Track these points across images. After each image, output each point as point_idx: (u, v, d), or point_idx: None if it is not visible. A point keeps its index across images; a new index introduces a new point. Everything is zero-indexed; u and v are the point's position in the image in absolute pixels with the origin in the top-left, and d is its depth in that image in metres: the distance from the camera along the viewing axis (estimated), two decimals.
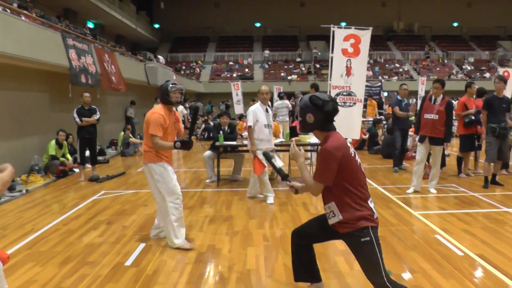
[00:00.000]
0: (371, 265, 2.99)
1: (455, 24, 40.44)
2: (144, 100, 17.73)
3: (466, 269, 4.17)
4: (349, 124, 8.25)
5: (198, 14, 38.23)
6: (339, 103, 8.23)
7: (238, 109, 20.85)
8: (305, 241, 3.44)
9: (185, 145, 4.69)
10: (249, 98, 23.56)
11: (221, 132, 8.31)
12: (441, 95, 7.20)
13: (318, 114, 3.03)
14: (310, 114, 3.04)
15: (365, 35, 8.16)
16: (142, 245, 4.93)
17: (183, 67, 33.02)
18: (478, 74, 32.91)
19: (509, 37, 39.74)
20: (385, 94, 23.08)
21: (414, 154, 11.55)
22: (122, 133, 13.21)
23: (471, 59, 36.20)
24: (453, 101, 7.65)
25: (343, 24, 8.06)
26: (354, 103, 8.22)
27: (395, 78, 32.01)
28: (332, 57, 8.24)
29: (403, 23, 40.69)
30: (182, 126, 5.06)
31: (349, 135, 8.88)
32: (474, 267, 4.25)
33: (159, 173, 4.73)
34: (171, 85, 4.77)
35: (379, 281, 2.96)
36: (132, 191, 7.89)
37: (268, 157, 3.59)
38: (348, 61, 8.17)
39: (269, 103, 7.30)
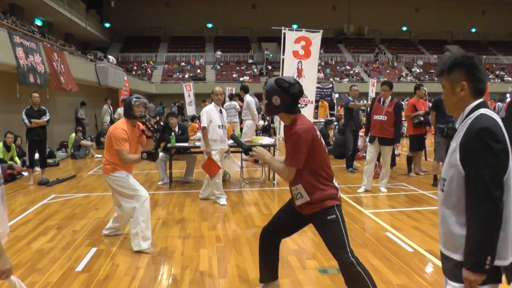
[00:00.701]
0: (337, 241, 3.07)
1: (404, 28, 41.89)
2: (94, 101, 17.34)
3: (416, 265, 4.37)
4: None
5: (149, 13, 37.67)
6: None
7: (190, 110, 20.69)
8: (276, 238, 3.50)
9: (152, 156, 4.62)
10: (201, 99, 23.48)
11: (172, 133, 8.27)
12: (390, 97, 7.46)
13: (285, 96, 3.04)
14: (277, 96, 3.04)
15: (316, 38, 8.35)
16: (94, 250, 4.85)
17: (135, 68, 32.48)
18: (427, 76, 34.21)
19: (456, 42, 41.64)
20: (337, 95, 23.58)
21: (364, 154, 11.91)
22: (73, 134, 12.87)
23: (420, 62, 37.63)
24: (402, 103, 7.92)
25: (295, 26, 8.18)
26: (306, 105, 8.39)
27: (346, 80, 32.76)
28: (283, 59, 8.36)
29: (353, 26, 41.76)
30: (145, 138, 4.97)
31: None
32: (424, 262, 4.45)
33: (121, 179, 4.72)
34: (134, 99, 4.69)
35: (344, 256, 3.06)
36: (83, 194, 7.71)
37: (235, 138, 3.90)
38: (299, 63, 8.33)
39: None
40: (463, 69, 1.99)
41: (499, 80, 33.83)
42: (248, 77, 33.02)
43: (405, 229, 5.53)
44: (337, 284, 3.95)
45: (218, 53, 36.43)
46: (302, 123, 3.02)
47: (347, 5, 40.39)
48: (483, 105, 1.99)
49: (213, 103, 7.07)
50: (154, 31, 38.23)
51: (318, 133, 3.15)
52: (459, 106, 2.05)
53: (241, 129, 12.51)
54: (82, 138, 12.84)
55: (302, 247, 4.94)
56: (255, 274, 4.15)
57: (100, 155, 12.63)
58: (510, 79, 34.23)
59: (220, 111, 7.04)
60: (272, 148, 8.56)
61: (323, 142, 3.18)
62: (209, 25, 39.99)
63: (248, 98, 10.34)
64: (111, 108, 16.54)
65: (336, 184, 3.17)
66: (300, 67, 8.31)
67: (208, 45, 38.99)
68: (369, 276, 3.08)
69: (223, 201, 7.01)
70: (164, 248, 4.89)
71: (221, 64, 35.70)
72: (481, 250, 1.83)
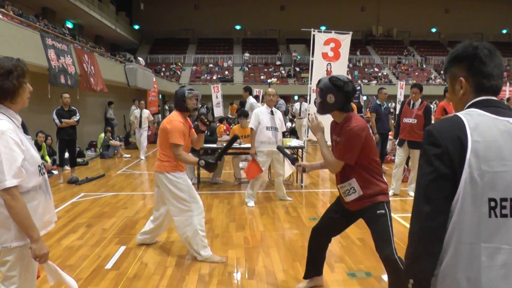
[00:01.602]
0: (384, 237, 3.10)
1: (433, 30, 41.19)
2: (123, 101, 17.59)
3: None
4: (328, 127, 8.30)
5: (177, 15, 38.09)
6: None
7: (218, 111, 20.74)
8: (327, 237, 3.64)
9: (210, 167, 4.32)
10: (229, 101, 23.59)
11: None
12: (420, 100, 7.32)
13: (339, 94, 3.14)
14: (331, 94, 3.14)
15: (345, 39, 8.24)
16: (123, 248, 4.89)
17: (163, 69, 32.84)
18: None
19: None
20: (364, 98, 23.30)
21: (393, 157, 11.75)
22: (102, 134, 13.07)
23: None
24: (431, 106, 7.75)
25: (323, 28, 8.10)
26: None
27: (374, 82, 32.39)
28: (312, 61, 8.28)
29: (382, 27, 41.28)
30: (195, 133, 4.73)
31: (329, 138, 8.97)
32: None
33: (180, 183, 4.39)
34: (187, 91, 4.48)
35: (388, 253, 3.06)
36: (112, 193, 7.81)
37: (280, 150, 3.88)
38: (328, 65, 8.24)
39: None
40: (462, 62, 1.63)
41: None
42: (276, 79, 33.00)
43: None
44: (365, 287, 3.90)
45: (246, 54, 36.53)
46: (356, 121, 3.13)
47: (376, 6, 39.98)
48: (479, 104, 1.58)
49: (265, 104, 7.12)
50: (183, 33, 38.64)
51: (370, 130, 3.25)
52: (460, 106, 1.67)
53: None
54: (111, 138, 13.04)
55: (330, 249, 4.82)
56: (284, 276, 4.12)
57: (129, 155, 12.82)
58: None
59: (272, 113, 7.01)
60: (300, 150, 8.52)
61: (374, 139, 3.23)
62: (237, 27, 40.18)
63: (251, 100, 10.01)
64: (139, 109, 16.74)
65: (385, 180, 3.26)
66: (329, 69, 8.21)
67: (236, 47, 39.17)
68: None
69: (251, 203, 6.99)
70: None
71: (249, 66, 35.78)
72: (404, 270, 1.60)
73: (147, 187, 8.42)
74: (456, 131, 1.49)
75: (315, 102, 3.32)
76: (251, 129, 6.94)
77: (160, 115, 22.64)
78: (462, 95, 1.64)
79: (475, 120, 1.50)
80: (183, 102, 4.47)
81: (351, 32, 8.42)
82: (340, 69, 8.29)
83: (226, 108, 22.56)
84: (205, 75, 33.53)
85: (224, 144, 4.86)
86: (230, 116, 19.43)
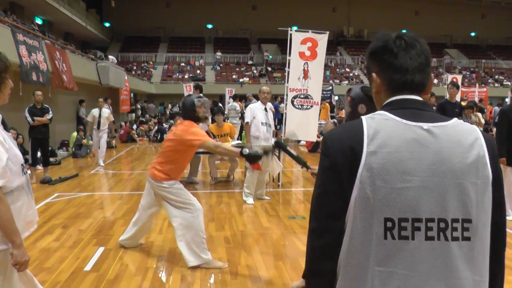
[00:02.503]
0: None
1: (403, 31, 41.77)
2: (95, 100, 17.14)
3: None
4: (306, 127, 8.36)
5: (149, 13, 37.59)
6: (296, 106, 8.34)
7: None
8: None
9: (253, 158, 3.99)
10: None
11: None
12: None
13: (371, 105, 3.06)
14: (363, 104, 3.05)
15: (322, 39, 8.30)
16: (101, 249, 4.79)
17: (134, 67, 32.37)
18: None
19: (455, 45, 41.71)
20: (336, 98, 23.55)
21: None
22: (75, 133, 12.80)
23: None
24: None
25: (294, 28, 8.13)
26: (311, 106, 8.34)
27: (346, 82, 32.74)
28: (289, 60, 8.31)
29: (353, 28, 41.77)
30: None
31: (306, 138, 9.04)
32: None
33: (176, 188, 4.29)
34: (196, 100, 4.30)
35: None
36: (86, 193, 7.64)
37: (282, 146, 3.68)
38: (305, 64, 8.28)
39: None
40: (374, 56, 1.39)
41: (498, 85, 33.88)
42: (248, 78, 32.98)
43: None
44: None
45: (218, 54, 36.35)
46: None
47: (347, 8, 40.43)
48: (390, 105, 1.35)
49: (258, 101, 7.28)
50: (154, 31, 38.15)
51: None
52: (378, 107, 1.43)
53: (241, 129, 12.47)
54: (83, 137, 12.77)
55: None
56: (267, 275, 4.12)
57: None
58: (509, 83, 34.21)
59: (265, 110, 7.19)
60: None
61: None
62: (209, 26, 39.91)
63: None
64: (111, 107, 16.47)
65: None
66: (306, 68, 8.26)
67: (208, 46, 38.95)
68: None
69: (250, 200, 7.05)
70: (172, 249, 4.81)
71: (221, 65, 35.64)
72: None
73: (122, 187, 8.28)
74: (349, 140, 1.27)
75: (346, 113, 3.22)
76: (247, 123, 7.07)
77: (133, 114, 22.31)
78: (376, 94, 1.42)
79: (376, 126, 1.27)
80: (193, 111, 4.29)
81: (327, 32, 8.49)
82: (317, 68, 8.35)
83: None
84: (177, 74, 33.22)
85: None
86: None
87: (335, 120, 15.10)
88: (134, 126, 18.72)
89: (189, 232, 4.26)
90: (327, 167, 1.30)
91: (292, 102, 8.34)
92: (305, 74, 8.30)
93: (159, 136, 17.19)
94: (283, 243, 5.12)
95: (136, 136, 17.43)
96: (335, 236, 1.30)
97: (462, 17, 40.87)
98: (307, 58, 8.27)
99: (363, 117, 1.31)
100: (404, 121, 1.27)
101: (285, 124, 8.50)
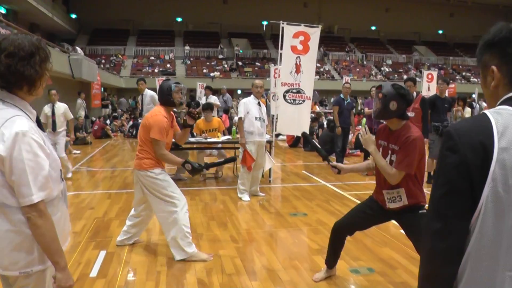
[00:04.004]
0: None
1: (373, 28, 42.40)
2: (67, 94, 16.55)
3: None
4: (299, 121, 8.20)
5: (117, 5, 36.57)
6: (288, 101, 8.17)
7: None
8: (352, 232, 3.67)
9: (195, 171, 4.19)
10: None
11: None
12: (414, 93, 7.69)
13: (402, 102, 3.15)
14: (394, 102, 3.14)
15: (315, 33, 8.15)
16: (103, 253, 4.49)
17: (103, 61, 31.45)
18: (396, 75, 34.73)
19: (424, 42, 42.56)
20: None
21: (350, 151, 11.90)
22: None
23: (389, 61, 38.19)
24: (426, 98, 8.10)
25: (265, 23, 7.99)
26: (304, 101, 8.19)
27: (317, 77, 32.83)
28: (281, 54, 8.12)
29: (323, 24, 41.89)
30: (178, 128, 4.56)
31: (298, 132, 8.88)
32: None
33: (161, 179, 4.20)
34: (174, 85, 4.26)
35: None
36: (72, 193, 7.23)
37: (307, 138, 3.78)
38: (298, 58, 8.11)
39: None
40: (494, 48, 1.32)
41: (466, 81, 34.74)
42: (218, 73, 32.65)
43: None
44: (373, 283, 3.80)
45: (187, 47, 35.75)
46: (417, 131, 3.16)
47: (318, 3, 40.51)
48: None
49: (252, 95, 7.01)
50: (123, 23, 37.17)
51: None
52: (493, 102, 1.36)
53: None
54: None
55: (324, 246, 4.71)
56: (287, 276, 3.95)
57: (79, 151, 12.10)
58: (476, 80, 35.20)
59: (259, 104, 6.98)
60: (268, 144, 8.34)
61: None
62: (179, 19, 39.22)
63: (150, 92, 9.40)
64: (85, 102, 15.91)
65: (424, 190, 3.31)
66: (298, 63, 8.08)
67: (177, 40, 38.26)
68: None
69: (246, 197, 6.88)
70: None
71: (191, 59, 35.13)
72: None
73: (108, 184, 7.91)
74: (479, 135, 1.21)
75: (374, 110, 3.31)
76: (240, 118, 6.86)
77: (108, 109, 21.62)
78: (493, 88, 1.33)
79: (505, 122, 1.21)
80: (169, 96, 4.26)
81: (320, 26, 8.37)
82: (310, 62, 8.20)
83: None
84: (147, 68, 32.52)
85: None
86: (175, 110, 18.89)
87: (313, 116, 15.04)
88: (108, 121, 18.16)
89: (174, 226, 4.21)
90: (456, 164, 1.23)
91: (284, 96, 8.16)
92: (298, 69, 8.13)
93: (134, 131, 16.73)
94: (293, 241, 4.95)
95: (111, 131, 16.90)
96: (460, 238, 1.24)
97: (431, 15, 41.65)
98: (299, 52, 8.09)
99: (487, 112, 1.26)
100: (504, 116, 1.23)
101: (277, 119, 8.33)
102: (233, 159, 4.40)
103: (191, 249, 4.27)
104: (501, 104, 1.30)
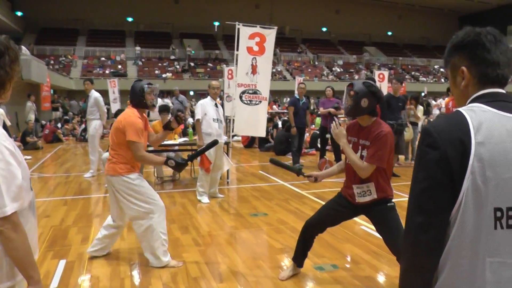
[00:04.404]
0: (399, 228, 3.24)
1: (324, 29, 43.20)
2: (15, 97, 15.89)
3: None
4: (255, 122, 8.28)
5: (65, 3, 35.35)
6: (245, 102, 8.22)
7: (115, 107, 19.74)
8: (322, 230, 3.76)
9: (179, 167, 3.99)
10: (126, 96, 22.52)
11: None
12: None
13: (372, 99, 3.28)
14: (366, 99, 3.25)
15: (270, 34, 8.26)
16: (63, 262, 4.35)
17: (52, 62, 30.39)
18: (347, 75, 35.51)
19: (374, 43, 43.81)
20: None
21: (305, 151, 12.10)
22: None
23: (340, 62, 39.01)
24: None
25: (217, 24, 8.06)
26: (260, 101, 8.27)
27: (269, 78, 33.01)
28: (237, 55, 8.17)
29: (275, 25, 42.18)
30: (151, 129, 4.40)
31: (255, 133, 8.95)
32: None
33: (137, 184, 4.03)
34: (147, 86, 4.13)
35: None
36: None
37: (277, 163, 3.82)
38: (254, 59, 8.18)
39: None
40: (463, 50, 1.43)
41: (415, 81, 36.03)
42: (171, 74, 32.31)
43: None
44: (337, 279, 3.90)
45: (138, 48, 35.11)
46: (387, 127, 3.28)
47: (269, 5, 40.80)
48: (483, 98, 1.38)
49: (208, 96, 7.00)
50: (72, 23, 36.02)
51: None
52: (462, 101, 1.46)
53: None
54: None
55: (287, 245, 4.82)
56: (253, 276, 3.99)
57: (29, 157, 11.69)
58: (424, 79, 36.62)
59: (216, 105, 6.96)
60: (225, 146, 8.36)
61: None
62: (129, 19, 38.49)
63: (95, 93, 9.09)
64: (35, 105, 15.37)
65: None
66: (254, 63, 8.16)
67: (128, 40, 37.55)
68: None
69: (206, 199, 6.85)
70: (141, 255, 4.48)
71: (143, 60, 34.57)
72: (399, 285, 1.49)
73: (63, 191, 7.68)
74: (457, 131, 1.30)
75: (346, 107, 3.41)
76: (198, 120, 6.82)
77: (58, 112, 20.92)
78: (464, 87, 1.44)
79: (479, 118, 1.31)
80: (141, 97, 4.13)
81: (275, 27, 8.48)
82: (266, 63, 8.29)
83: (124, 104, 21.56)
84: (98, 69, 31.73)
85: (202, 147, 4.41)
86: None
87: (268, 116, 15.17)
88: (59, 125, 17.61)
89: (150, 234, 4.09)
90: (436, 160, 1.30)
91: (241, 97, 8.22)
92: (254, 69, 8.21)
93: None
94: (255, 242, 5.01)
95: (62, 135, 16.40)
96: (442, 230, 1.32)
97: (380, 17, 42.95)
98: (255, 53, 8.17)
99: (461, 109, 1.35)
100: (502, 112, 1.33)
101: (233, 120, 8.36)
102: (215, 143, 4.25)
103: (166, 258, 4.18)
104: (472, 102, 1.39)
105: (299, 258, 3.89)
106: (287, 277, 3.90)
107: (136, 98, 4.15)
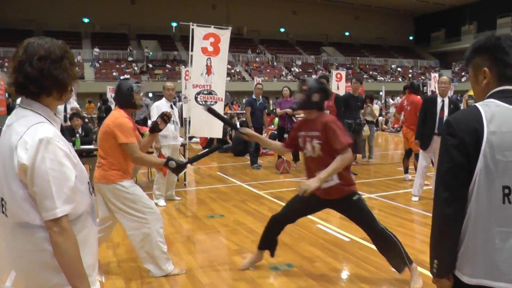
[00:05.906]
0: (368, 217, 3.56)
1: (282, 30, 43.57)
2: None
3: (358, 252, 4.51)
4: (211, 123, 8.18)
5: (18, 3, 34.14)
6: (200, 102, 8.15)
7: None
8: (287, 224, 3.94)
9: (179, 169, 3.65)
10: (82, 99, 21.99)
11: (77, 135, 7.58)
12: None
13: (323, 95, 3.54)
14: (317, 94, 3.49)
15: (225, 35, 8.23)
16: None
17: (6, 64, 29.20)
18: (306, 75, 35.89)
19: (331, 43, 44.57)
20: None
21: (264, 151, 12.13)
22: None
23: (299, 62, 39.44)
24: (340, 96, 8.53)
25: (174, 24, 8.01)
26: (215, 102, 8.21)
27: (228, 78, 33.00)
28: (192, 56, 8.10)
29: (232, 26, 42.21)
30: (138, 134, 4.05)
31: (211, 134, 8.89)
32: (364, 250, 4.56)
33: (132, 192, 3.77)
34: (135, 85, 3.92)
35: (377, 227, 3.54)
36: None
37: (214, 112, 3.84)
38: (208, 59, 8.12)
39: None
40: (485, 52, 1.68)
41: (373, 80, 36.86)
42: (129, 76, 31.71)
43: (333, 220, 5.61)
44: (292, 278, 3.92)
45: (96, 50, 34.36)
46: (331, 116, 3.56)
47: (226, 5, 40.78)
48: (497, 94, 1.63)
49: (164, 98, 6.95)
50: (25, 23, 34.65)
51: None
52: (482, 96, 1.71)
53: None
54: None
55: (243, 246, 4.81)
56: (207, 279, 3.95)
57: None
58: (382, 78, 37.53)
59: (171, 107, 6.90)
60: (182, 147, 8.27)
61: None
62: (85, 20, 37.58)
63: None
64: None
65: None
66: (209, 64, 8.09)
67: (85, 42, 36.62)
68: (398, 239, 3.55)
69: (162, 202, 6.70)
70: (126, 262, 4.38)
71: (100, 61, 33.84)
72: (430, 252, 1.74)
73: None
74: (473, 122, 1.58)
75: (298, 101, 3.62)
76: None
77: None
78: (485, 85, 1.70)
79: (491, 111, 1.58)
80: (130, 97, 3.89)
81: (230, 28, 8.47)
82: (221, 64, 8.25)
83: (82, 106, 21.05)
84: None
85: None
86: (86, 115, 18.13)
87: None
88: None
89: (147, 244, 3.85)
90: (456, 145, 1.59)
91: (196, 98, 8.13)
92: (208, 70, 8.14)
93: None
94: (211, 244, 4.97)
95: None
96: (463, 203, 1.61)
97: (337, 18, 43.73)
98: (209, 53, 8.11)
99: (477, 104, 1.64)
100: (511, 106, 1.59)
101: (189, 121, 8.27)
102: (217, 148, 4.17)
103: (170, 266, 3.98)
104: (488, 97, 1.66)
105: (262, 243, 4.01)
106: (247, 266, 4.08)
107: (124, 98, 3.92)
